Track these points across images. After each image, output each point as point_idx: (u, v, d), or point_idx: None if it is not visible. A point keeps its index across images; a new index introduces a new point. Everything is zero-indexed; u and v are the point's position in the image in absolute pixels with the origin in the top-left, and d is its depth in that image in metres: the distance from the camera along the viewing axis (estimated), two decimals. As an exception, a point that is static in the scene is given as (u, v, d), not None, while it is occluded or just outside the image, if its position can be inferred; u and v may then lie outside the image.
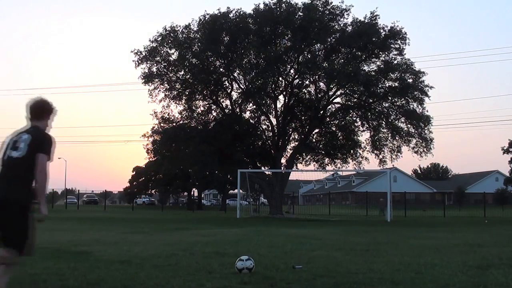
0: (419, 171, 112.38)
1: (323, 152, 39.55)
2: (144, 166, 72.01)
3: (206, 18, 34.70)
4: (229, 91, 38.08)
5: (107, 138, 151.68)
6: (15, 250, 4.71)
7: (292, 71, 36.19)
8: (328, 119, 38.16)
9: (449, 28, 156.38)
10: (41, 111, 5.18)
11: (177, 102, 37.87)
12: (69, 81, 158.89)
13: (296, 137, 39.05)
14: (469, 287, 6.23)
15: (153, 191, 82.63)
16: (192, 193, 77.07)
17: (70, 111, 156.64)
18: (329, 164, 40.02)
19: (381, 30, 34.02)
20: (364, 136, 38.40)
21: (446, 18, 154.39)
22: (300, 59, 34.95)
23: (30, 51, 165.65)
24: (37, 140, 4.90)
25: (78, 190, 66.69)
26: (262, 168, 39.79)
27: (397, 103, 35.05)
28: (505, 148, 64.05)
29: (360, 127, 38.12)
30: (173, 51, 36.31)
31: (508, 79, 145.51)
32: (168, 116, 37.59)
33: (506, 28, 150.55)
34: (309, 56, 34.72)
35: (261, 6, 34.25)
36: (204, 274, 7.06)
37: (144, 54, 35.56)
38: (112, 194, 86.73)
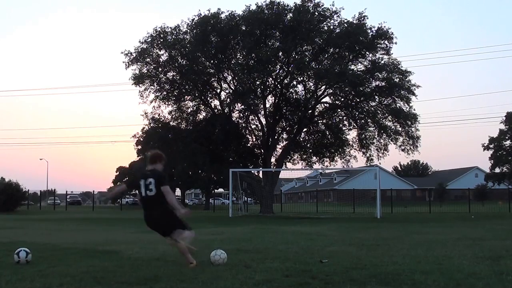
0: (399, 168, 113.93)
1: (311, 151, 40.18)
2: (128, 166, 72.08)
3: (197, 19, 35.09)
4: (218, 91, 38.55)
5: (92, 139, 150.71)
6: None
7: (281, 71, 36.70)
8: (316, 118, 38.79)
9: (427, 28, 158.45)
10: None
11: (166, 103, 38.28)
12: (58, 81, 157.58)
13: (285, 136, 39.61)
14: (492, 275, 6.81)
15: (137, 191, 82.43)
16: (175, 192, 77.16)
17: (54, 112, 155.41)
18: (316, 163, 40.69)
19: (369, 31, 34.74)
20: (351, 135, 39.15)
21: (422, 17, 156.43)
22: (289, 60, 35.51)
23: (21, 51, 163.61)
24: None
25: (66, 191, 66.19)
26: (252, 167, 40.29)
27: (384, 102, 35.82)
28: (485, 145, 65.41)
29: (347, 125, 38.82)
30: (162, 52, 36.70)
31: (487, 77, 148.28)
32: (158, 117, 37.99)
33: (484, 28, 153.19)
34: (297, 57, 35.35)
35: (253, 7, 34.88)
36: (243, 268, 7.52)
37: (134, 55, 35.85)
38: (91, 194, 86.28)
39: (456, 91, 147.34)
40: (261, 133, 39.02)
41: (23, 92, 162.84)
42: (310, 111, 37.62)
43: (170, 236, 7.92)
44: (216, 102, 39.24)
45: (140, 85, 36.43)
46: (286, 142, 39.39)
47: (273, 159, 38.95)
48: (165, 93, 37.66)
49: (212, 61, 36.75)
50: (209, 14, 34.97)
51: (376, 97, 35.92)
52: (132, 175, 72.18)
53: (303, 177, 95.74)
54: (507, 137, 65.19)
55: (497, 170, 67.03)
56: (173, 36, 36.14)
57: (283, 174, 43.39)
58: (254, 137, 40.13)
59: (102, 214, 39.66)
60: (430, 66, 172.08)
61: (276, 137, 38.73)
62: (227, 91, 38.60)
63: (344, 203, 51.58)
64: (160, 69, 37.03)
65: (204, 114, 40.00)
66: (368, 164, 39.32)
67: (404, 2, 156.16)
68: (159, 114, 38.30)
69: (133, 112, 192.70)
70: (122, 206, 62.87)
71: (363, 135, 37.96)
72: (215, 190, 77.46)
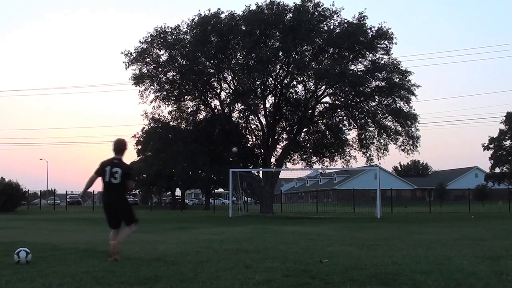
0: (399, 168, 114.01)
1: (311, 151, 40.20)
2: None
3: (197, 19, 35.11)
4: (218, 91, 38.55)
5: (92, 139, 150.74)
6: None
7: (281, 71, 36.70)
8: (316, 118, 38.79)
9: (427, 28, 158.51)
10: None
11: (166, 103, 38.29)
12: (58, 81, 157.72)
13: (285, 136, 39.61)
14: (493, 275, 6.82)
15: (136, 191, 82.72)
16: (175, 192, 77.56)
17: (54, 112, 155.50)
18: (316, 163, 40.72)
19: (369, 31, 34.73)
20: (351, 135, 39.16)
21: (422, 17, 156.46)
22: (289, 60, 35.52)
23: (21, 51, 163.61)
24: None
25: (66, 191, 66.25)
26: (252, 167, 40.31)
27: (384, 102, 35.80)
28: (485, 145, 65.49)
29: (347, 125, 38.81)
30: (162, 52, 36.69)
31: (487, 77, 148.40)
32: (158, 117, 38.02)
33: (484, 28, 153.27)
34: (297, 57, 35.36)
35: (252, 7, 34.89)
36: (243, 268, 7.52)
37: (134, 55, 35.84)
38: (91, 194, 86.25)
39: (456, 91, 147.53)
40: (261, 133, 39.01)
41: (23, 92, 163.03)
42: (310, 111, 37.61)
43: (129, 226, 8.90)
44: (216, 102, 39.26)
45: (140, 85, 36.40)
46: (286, 142, 39.36)
47: (273, 159, 38.95)
48: (165, 93, 37.65)
49: (212, 61, 36.72)
50: (209, 14, 34.93)
51: (376, 97, 35.88)
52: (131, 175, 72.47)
53: (303, 177, 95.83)
54: (507, 137, 65.26)
55: (497, 170, 67.11)
56: (173, 36, 36.10)
57: (283, 174, 43.42)
58: (254, 137, 40.14)
59: (102, 214, 39.31)
60: (430, 66, 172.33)
61: (276, 137, 38.72)
62: (227, 91, 38.62)
63: (344, 203, 51.63)
64: (160, 69, 36.98)
65: (204, 114, 40.00)
66: (368, 164, 39.32)
67: (404, 2, 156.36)
68: (159, 114, 38.32)
69: (133, 112, 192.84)
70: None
71: (363, 135, 37.94)
72: (215, 190, 77.63)
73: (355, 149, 38.84)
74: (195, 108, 39.49)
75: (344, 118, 38.64)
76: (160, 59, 36.68)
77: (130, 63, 35.80)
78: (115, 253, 8.58)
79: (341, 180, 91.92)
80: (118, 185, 8.64)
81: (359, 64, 36.26)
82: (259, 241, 12.45)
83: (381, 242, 12.05)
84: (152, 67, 36.82)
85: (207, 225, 22.25)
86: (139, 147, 44.16)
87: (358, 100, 36.53)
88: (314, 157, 40.50)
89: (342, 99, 37.80)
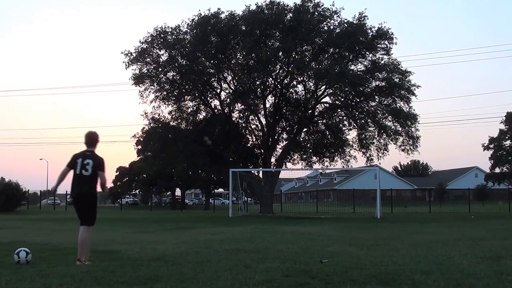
0: (399, 168, 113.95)
1: (311, 151, 40.22)
2: (128, 166, 72.45)
3: (197, 20, 35.13)
4: (218, 91, 38.57)
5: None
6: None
7: (281, 71, 36.72)
8: (316, 118, 38.80)
9: (427, 28, 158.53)
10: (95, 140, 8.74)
11: (166, 103, 38.31)
12: (58, 81, 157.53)
13: (285, 136, 39.64)
14: (493, 275, 6.81)
15: (137, 191, 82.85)
16: (175, 192, 77.66)
17: (54, 112, 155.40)
18: (316, 163, 40.75)
19: (369, 31, 34.74)
20: (351, 135, 39.18)
21: (422, 17, 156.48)
22: (289, 60, 35.54)
23: (21, 51, 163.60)
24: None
25: (66, 191, 65.96)
26: (252, 167, 40.33)
27: (384, 102, 35.81)
28: (485, 145, 65.41)
29: (347, 125, 38.83)
30: (162, 52, 36.71)
31: (487, 77, 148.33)
32: (158, 117, 38.02)
33: (484, 28, 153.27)
34: (297, 57, 35.38)
35: (252, 7, 34.93)
36: (243, 268, 7.52)
37: (134, 55, 35.85)
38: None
39: (456, 91, 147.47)
40: (261, 133, 39.02)
41: (23, 92, 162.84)
42: (310, 111, 37.63)
43: (88, 227, 8.56)
44: (216, 102, 39.30)
45: (140, 85, 36.44)
46: (286, 142, 39.38)
47: (273, 159, 38.97)
48: (165, 93, 37.67)
49: (212, 61, 36.75)
50: (209, 14, 34.97)
51: (376, 97, 35.91)
52: (132, 175, 72.82)
53: (303, 177, 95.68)
54: (507, 137, 65.17)
55: (497, 170, 67.02)
56: (173, 36, 36.11)
57: (283, 174, 43.42)
58: (254, 137, 40.16)
59: (102, 214, 39.38)
60: (430, 66, 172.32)
61: (276, 137, 38.74)
62: (227, 91, 38.66)
63: (344, 203, 51.63)
64: (160, 69, 37.00)
65: (204, 114, 40.03)
66: (368, 164, 39.33)
67: (404, 2, 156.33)
68: (159, 114, 38.32)
69: (133, 112, 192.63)
70: (122, 206, 63.26)
71: (363, 135, 37.96)
72: (215, 190, 77.69)
73: (355, 149, 38.95)
74: (195, 108, 39.53)
75: (344, 118, 38.66)
76: (160, 59, 36.71)
77: (130, 63, 35.84)
78: (83, 255, 8.33)
79: (341, 180, 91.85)
80: (89, 177, 8.45)
81: (359, 64, 36.31)
82: (259, 241, 12.45)
83: (381, 242, 12.04)
84: (152, 67, 36.86)
85: (207, 225, 22.24)
86: (139, 147, 44.08)
87: (358, 100, 36.55)
88: (314, 157, 40.57)
89: (342, 99, 37.83)
